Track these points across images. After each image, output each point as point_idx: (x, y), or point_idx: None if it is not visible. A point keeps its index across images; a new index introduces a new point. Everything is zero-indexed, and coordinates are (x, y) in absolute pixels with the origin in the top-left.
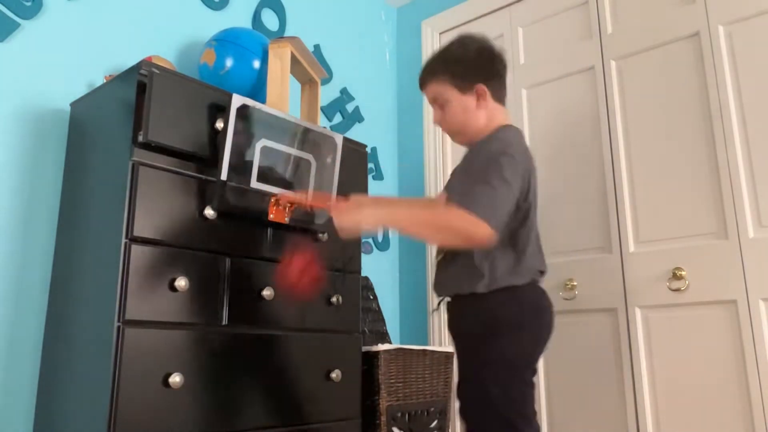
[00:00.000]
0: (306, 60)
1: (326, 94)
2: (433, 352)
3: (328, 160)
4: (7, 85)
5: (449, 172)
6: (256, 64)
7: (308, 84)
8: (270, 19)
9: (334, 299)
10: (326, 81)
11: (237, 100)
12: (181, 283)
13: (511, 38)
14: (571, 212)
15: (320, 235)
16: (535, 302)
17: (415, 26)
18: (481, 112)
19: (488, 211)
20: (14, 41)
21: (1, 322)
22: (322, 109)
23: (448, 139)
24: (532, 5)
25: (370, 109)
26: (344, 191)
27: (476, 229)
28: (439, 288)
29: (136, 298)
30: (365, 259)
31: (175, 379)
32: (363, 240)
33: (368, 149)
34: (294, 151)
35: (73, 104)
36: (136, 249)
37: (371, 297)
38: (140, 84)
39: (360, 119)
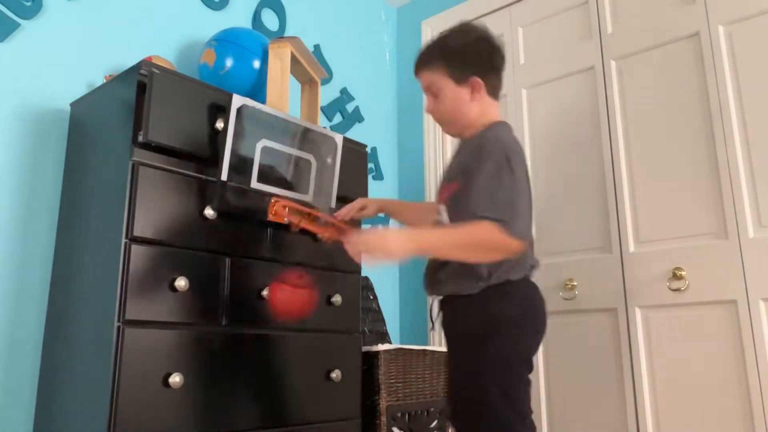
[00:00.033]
0: (306, 60)
1: (326, 94)
2: (433, 352)
3: (328, 160)
4: (7, 85)
5: None
6: (256, 64)
7: (308, 84)
8: (270, 19)
9: (334, 299)
10: (326, 81)
11: (237, 100)
12: (181, 283)
13: (511, 38)
14: (571, 212)
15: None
16: (530, 298)
17: (415, 26)
18: (474, 105)
19: (517, 221)
20: (14, 41)
21: (1, 322)
22: (322, 109)
23: (447, 138)
24: (532, 5)
25: (370, 109)
26: (344, 191)
27: (509, 239)
28: (435, 288)
29: (136, 298)
30: None
31: (175, 379)
32: None
33: (368, 149)
34: (294, 151)
35: (73, 104)
36: (136, 249)
37: (371, 297)
38: (140, 84)
39: (360, 119)
